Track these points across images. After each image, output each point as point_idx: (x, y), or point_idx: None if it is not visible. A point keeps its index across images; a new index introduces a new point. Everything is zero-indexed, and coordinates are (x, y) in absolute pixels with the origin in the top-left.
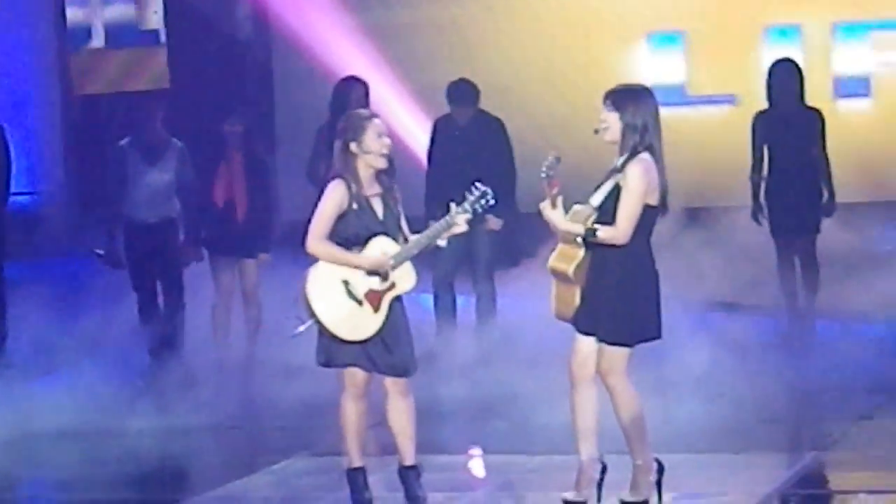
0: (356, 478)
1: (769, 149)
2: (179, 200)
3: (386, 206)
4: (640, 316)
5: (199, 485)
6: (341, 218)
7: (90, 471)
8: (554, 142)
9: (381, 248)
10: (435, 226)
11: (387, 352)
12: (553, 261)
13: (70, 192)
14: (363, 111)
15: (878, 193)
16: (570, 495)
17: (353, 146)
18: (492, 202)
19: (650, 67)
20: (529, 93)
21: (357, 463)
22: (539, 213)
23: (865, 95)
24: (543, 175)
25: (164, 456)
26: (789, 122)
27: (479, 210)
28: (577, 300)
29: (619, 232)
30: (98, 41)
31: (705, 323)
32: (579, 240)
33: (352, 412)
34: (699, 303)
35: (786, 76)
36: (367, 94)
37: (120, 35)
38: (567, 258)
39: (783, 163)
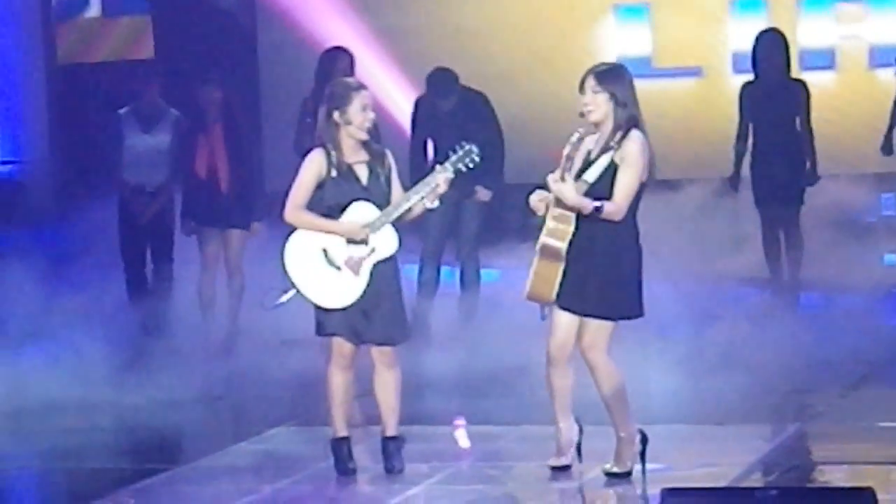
0: (340, 447)
1: (754, 120)
2: (173, 169)
3: (372, 172)
4: (628, 291)
5: (185, 455)
6: (321, 186)
7: (77, 441)
8: (524, 114)
9: (359, 213)
10: (416, 188)
11: (366, 320)
12: (545, 237)
13: (55, 160)
14: (351, 80)
15: (839, 167)
16: (553, 461)
17: (336, 115)
18: (476, 160)
19: (616, 40)
20: (500, 67)
21: (342, 433)
22: (536, 188)
23: (830, 68)
24: (567, 151)
25: (149, 426)
26: (774, 94)
27: (463, 168)
28: (559, 277)
29: (619, 207)
30: (95, 10)
31: (686, 295)
32: (573, 215)
33: (338, 382)
34: (676, 275)
35: (771, 47)
36: (352, 64)
37: (117, 4)
38: (560, 235)
39: (768, 134)
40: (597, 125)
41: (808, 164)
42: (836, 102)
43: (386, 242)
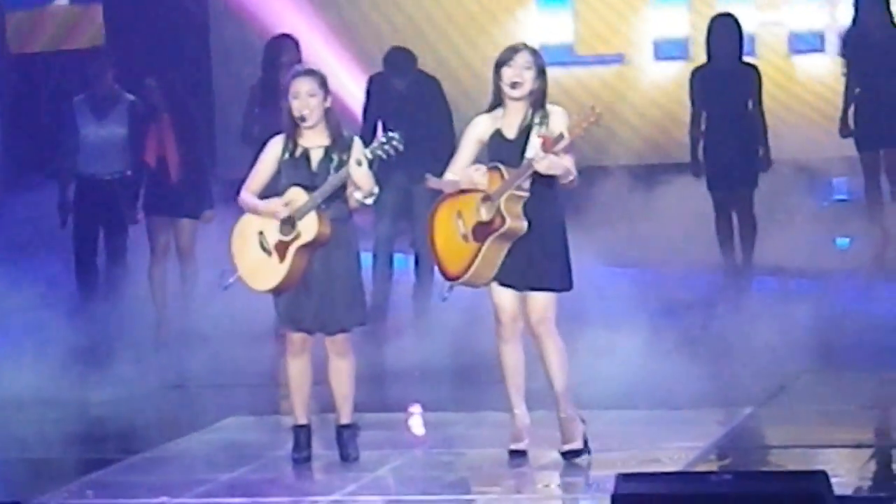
0: (298, 435)
1: (706, 105)
2: (131, 155)
3: (326, 158)
4: (565, 263)
5: (139, 444)
6: (279, 170)
7: (31, 432)
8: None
9: (291, 197)
10: (334, 175)
11: (303, 307)
12: (512, 221)
13: (6, 149)
14: (297, 67)
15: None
16: (514, 446)
17: (285, 103)
18: (398, 147)
19: (538, 27)
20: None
21: (301, 420)
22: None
23: (749, 54)
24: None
25: (103, 417)
26: (726, 78)
27: (383, 155)
28: (503, 257)
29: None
30: None
31: (638, 280)
32: (526, 194)
33: (292, 369)
34: (623, 260)
35: (724, 32)
36: (297, 50)
37: None
38: (517, 215)
39: (720, 119)
40: (503, 102)
41: (760, 149)
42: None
43: (307, 228)
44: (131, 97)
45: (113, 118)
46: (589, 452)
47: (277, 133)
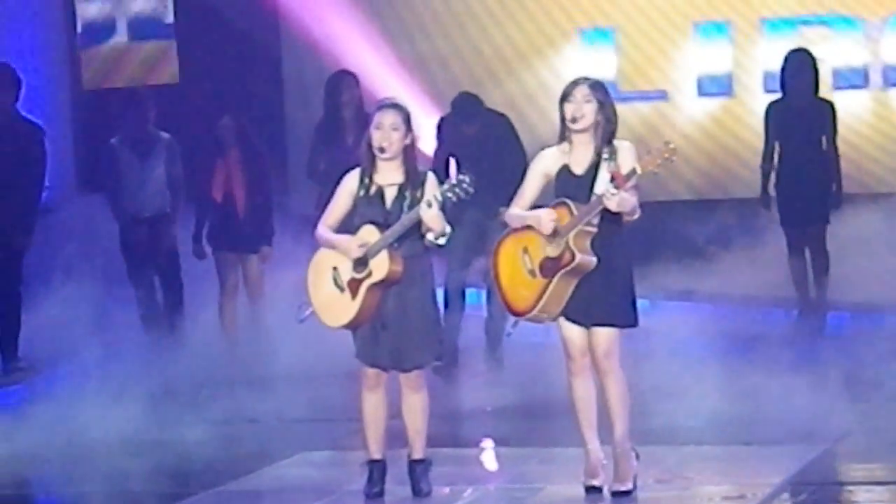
0: (372, 470)
1: (781, 139)
2: (171, 194)
3: (400, 195)
4: (630, 299)
5: (208, 480)
6: (355, 206)
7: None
8: None
9: (364, 235)
10: (405, 216)
11: (377, 344)
12: (581, 257)
13: (80, 186)
14: (383, 99)
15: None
16: (589, 482)
17: (366, 134)
18: (469, 190)
19: (582, 63)
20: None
21: (375, 455)
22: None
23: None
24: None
25: (177, 453)
26: (801, 113)
27: (454, 198)
28: (570, 292)
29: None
30: (121, 36)
31: (712, 316)
32: (594, 229)
33: (367, 404)
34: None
35: (800, 66)
36: (357, 86)
37: (142, 29)
38: (586, 250)
39: (794, 153)
40: (568, 137)
41: (834, 185)
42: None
43: (379, 267)
44: (167, 136)
45: (152, 158)
46: (599, 491)
47: (345, 169)
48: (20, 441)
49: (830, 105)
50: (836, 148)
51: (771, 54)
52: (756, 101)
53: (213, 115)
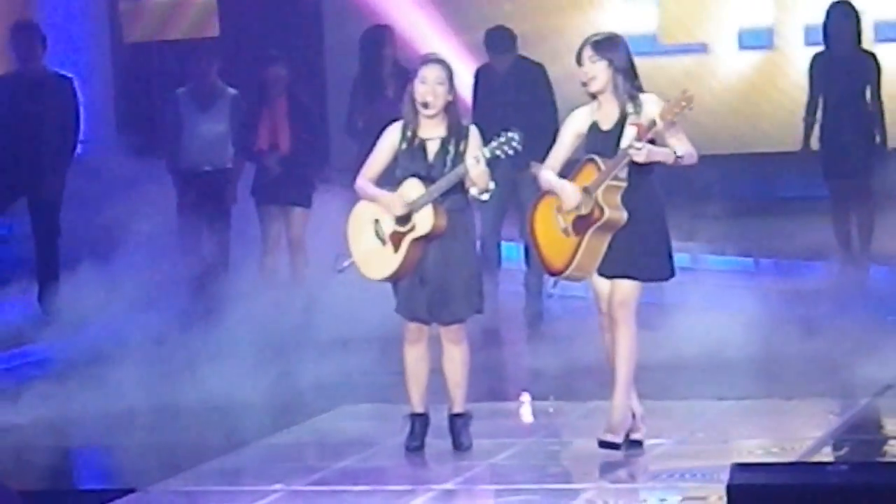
0: (413, 423)
1: (824, 92)
2: (234, 149)
3: (443, 149)
4: (660, 252)
5: (253, 432)
6: (395, 159)
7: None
8: None
9: (410, 190)
10: (452, 171)
11: (417, 297)
12: (610, 212)
13: (120, 139)
14: (428, 54)
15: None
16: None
17: (409, 88)
18: (517, 147)
19: (622, 17)
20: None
21: (418, 409)
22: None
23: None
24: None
25: (217, 407)
26: (845, 66)
27: (502, 155)
28: (604, 248)
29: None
30: None
31: (751, 269)
32: (624, 184)
33: (409, 357)
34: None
35: (842, 19)
36: (394, 40)
37: None
38: (616, 206)
39: (838, 106)
40: (596, 95)
41: (878, 138)
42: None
43: (422, 221)
44: (234, 91)
45: (215, 112)
46: (640, 445)
47: (384, 124)
48: (60, 404)
49: (874, 56)
50: (880, 101)
51: (812, 7)
52: (797, 54)
53: (252, 67)
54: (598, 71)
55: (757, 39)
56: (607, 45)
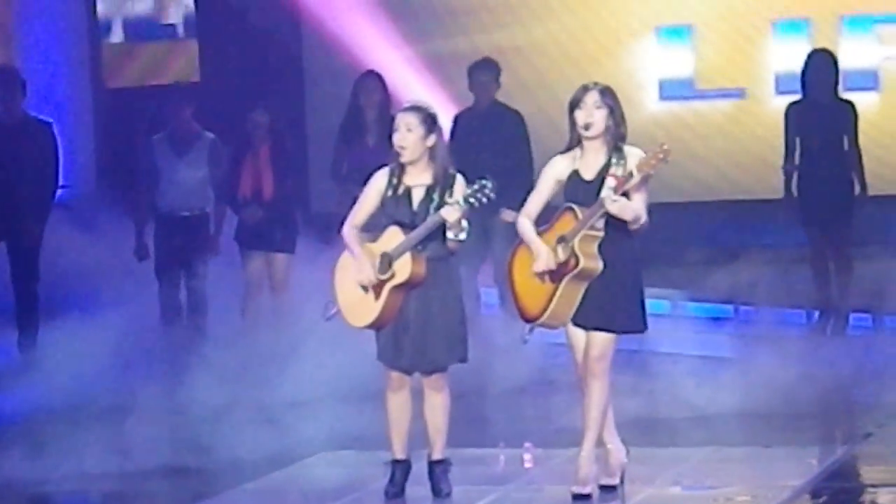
0: (394, 470)
1: (801, 139)
2: (214, 193)
3: (427, 197)
4: (634, 305)
5: (230, 480)
6: (382, 206)
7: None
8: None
9: (390, 238)
10: (429, 218)
11: (399, 346)
12: (586, 261)
13: (100, 184)
14: (408, 101)
15: (884, 188)
16: (605, 481)
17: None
18: (490, 195)
19: (658, 61)
20: (541, 87)
21: (397, 455)
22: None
23: (873, 89)
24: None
25: (198, 448)
26: (822, 113)
27: (476, 203)
28: (580, 297)
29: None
30: (117, 37)
31: (733, 315)
32: (601, 234)
33: (391, 404)
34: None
35: (821, 67)
36: (384, 87)
37: (140, 30)
38: (592, 255)
39: (815, 154)
40: (582, 141)
41: (856, 185)
42: (880, 123)
43: (402, 268)
44: (211, 135)
45: (192, 156)
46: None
47: (368, 170)
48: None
49: (851, 105)
50: (858, 149)
51: (851, 53)
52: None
53: (233, 113)
54: (601, 117)
55: (794, 84)
56: (610, 94)
